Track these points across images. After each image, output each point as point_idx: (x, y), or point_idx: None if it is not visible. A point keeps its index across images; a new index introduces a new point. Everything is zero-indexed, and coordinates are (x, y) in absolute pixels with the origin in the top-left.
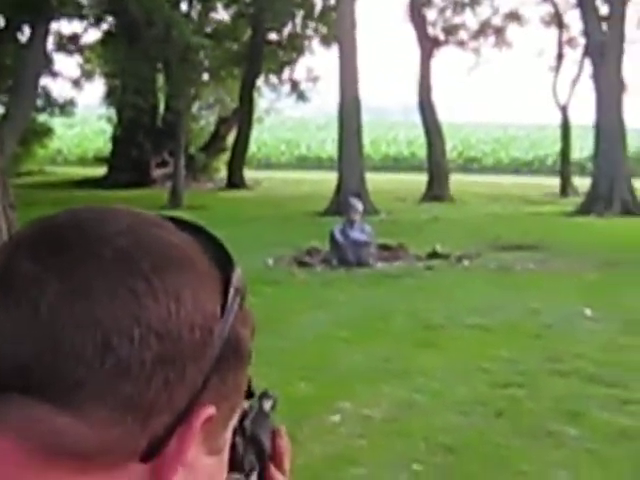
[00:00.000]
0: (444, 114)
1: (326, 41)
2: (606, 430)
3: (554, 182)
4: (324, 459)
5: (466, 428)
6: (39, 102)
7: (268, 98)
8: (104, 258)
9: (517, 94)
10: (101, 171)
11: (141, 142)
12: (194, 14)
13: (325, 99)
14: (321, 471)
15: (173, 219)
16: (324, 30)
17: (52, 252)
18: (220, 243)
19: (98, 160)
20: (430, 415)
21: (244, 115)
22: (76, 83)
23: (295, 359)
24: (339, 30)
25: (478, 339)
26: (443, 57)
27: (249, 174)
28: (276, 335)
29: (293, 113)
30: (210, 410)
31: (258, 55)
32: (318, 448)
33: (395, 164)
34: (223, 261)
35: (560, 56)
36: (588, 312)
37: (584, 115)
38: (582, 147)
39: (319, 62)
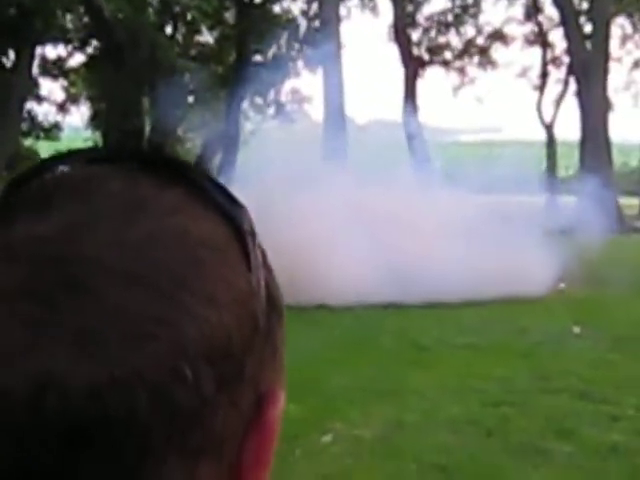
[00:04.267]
0: (430, 133)
1: (311, 63)
2: (597, 447)
3: (539, 200)
4: (316, 479)
5: (457, 447)
6: (24, 126)
7: (254, 120)
8: (107, 293)
9: (503, 113)
10: None
11: None
12: (179, 37)
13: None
14: None
15: (148, 163)
16: (309, 52)
17: (36, 305)
18: (218, 183)
19: None
20: (421, 435)
21: (230, 137)
22: (61, 107)
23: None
24: (324, 51)
25: (468, 358)
26: (429, 77)
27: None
28: None
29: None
30: (279, 395)
31: (243, 77)
32: (310, 469)
33: None
34: (228, 205)
35: (544, 75)
36: (577, 330)
37: (569, 133)
38: (567, 165)
39: (310, 83)
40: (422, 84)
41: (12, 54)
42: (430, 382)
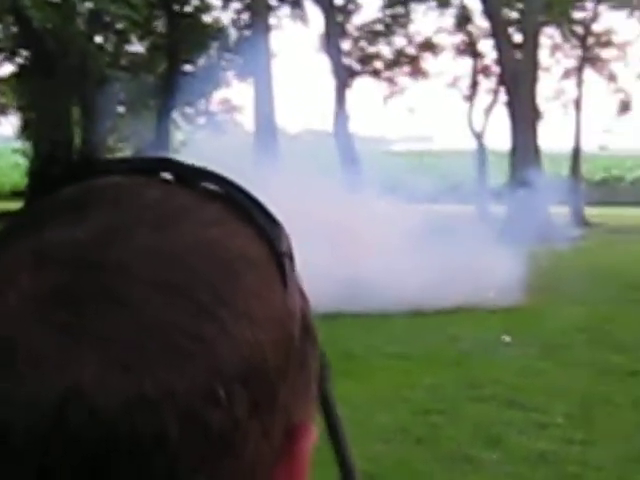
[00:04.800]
0: (362, 143)
1: (241, 73)
2: (525, 454)
3: (470, 209)
4: None
5: (387, 456)
6: None
7: (185, 130)
8: (143, 304)
9: (434, 122)
10: (18, 205)
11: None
12: (109, 46)
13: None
14: None
15: (185, 176)
16: (239, 61)
17: (69, 312)
18: (258, 201)
19: (16, 194)
20: (350, 443)
21: (160, 147)
22: None
23: None
24: (254, 61)
25: (398, 368)
26: (360, 87)
27: None
28: None
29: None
30: (311, 428)
31: (173, 87)
32: None
33: None
34: (267, 224)
35: (474, 84)
36: (507, 338)
37: (500, 142)
38: (498, 175)
39: (242, 93)
40: (354, 94)
41: None
42: (360, 391)
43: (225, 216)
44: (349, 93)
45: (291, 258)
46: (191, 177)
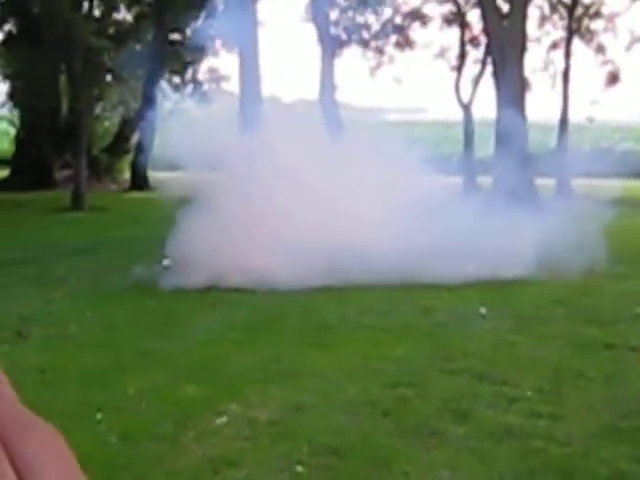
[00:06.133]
0: (356, 112)
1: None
2: (491, 429)
3: (457, 181)
4: (205, 461)
5: (352, 429)
6: None
7: (172, 99)
8: None
9: (428, 93)
10: (4, 173)
11: (43, 144)
12: (96, 13)
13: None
14: (201, 473)
15: None
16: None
17: None
18: None
19: (1, 162)
20: (317, 416)
21: (148, 115)
22: None
23: (184, 361)
24: (240, 30)
25: (371, 339)
26: (347, 59)
27: (155, 175)
28: (168, 338)
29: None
30: None
31: (161, 56)
32: (200, 450)
33: None
34: None
35: (462, 55)
36: (483, 311)
37: (488, 113)
38: (486, 145)
39: (230, 62)
40: (343, 64)
41: None
42: (331, 363)
43: None
44: (338, 63)
45: None
46: None
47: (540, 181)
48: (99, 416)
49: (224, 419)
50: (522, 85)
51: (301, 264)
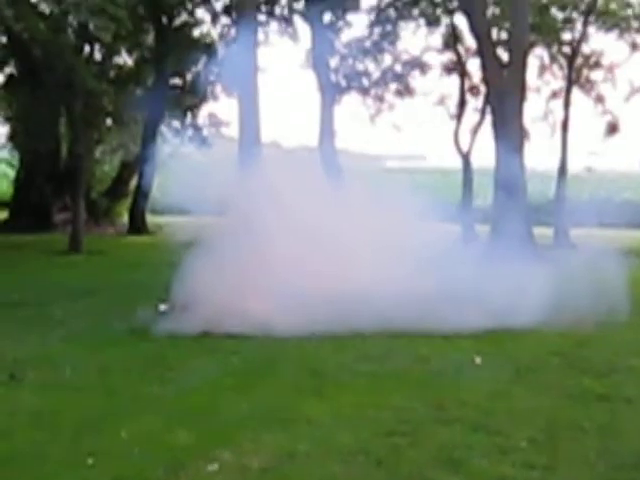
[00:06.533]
0: (356, 159)
1: (228, 87)
2: (485, 479)
3: (456, 228)
4: None
5: (345, 478)
6: None
7: (172, 143)
8: None
9: (427, 141)
10: (2, 215)
11: (42, 187)
12: (98, 56)
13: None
14: None
15: None
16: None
17: None
18: None
19: (1, 204)
20: (310, 464)
21: (147, 159)
22: None
23: (178, 407)
24: (239, 75)
25: (367, 387)
26: (349, 104)
27: (153, 219)
28: (162, 382)
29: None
30: None
31: (161, 100)
32: None
33: None
34: None
35: (462, 103)
36: (478, 360)
37: (487, 162)
38: (485, 193)
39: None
40: (342, 111)
41: None
42: (325, 411)
43: None
44: (338, 109)
45: None
46: None
47: (539, 230)
48: (91, 461)
49: (215, 466)
50: (521, 135)
51: (299, 310)
